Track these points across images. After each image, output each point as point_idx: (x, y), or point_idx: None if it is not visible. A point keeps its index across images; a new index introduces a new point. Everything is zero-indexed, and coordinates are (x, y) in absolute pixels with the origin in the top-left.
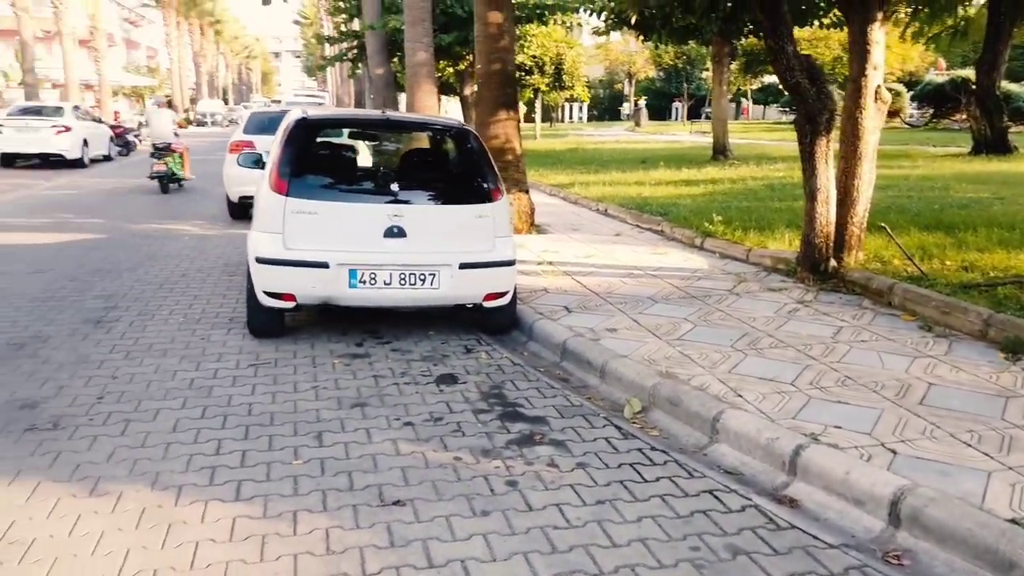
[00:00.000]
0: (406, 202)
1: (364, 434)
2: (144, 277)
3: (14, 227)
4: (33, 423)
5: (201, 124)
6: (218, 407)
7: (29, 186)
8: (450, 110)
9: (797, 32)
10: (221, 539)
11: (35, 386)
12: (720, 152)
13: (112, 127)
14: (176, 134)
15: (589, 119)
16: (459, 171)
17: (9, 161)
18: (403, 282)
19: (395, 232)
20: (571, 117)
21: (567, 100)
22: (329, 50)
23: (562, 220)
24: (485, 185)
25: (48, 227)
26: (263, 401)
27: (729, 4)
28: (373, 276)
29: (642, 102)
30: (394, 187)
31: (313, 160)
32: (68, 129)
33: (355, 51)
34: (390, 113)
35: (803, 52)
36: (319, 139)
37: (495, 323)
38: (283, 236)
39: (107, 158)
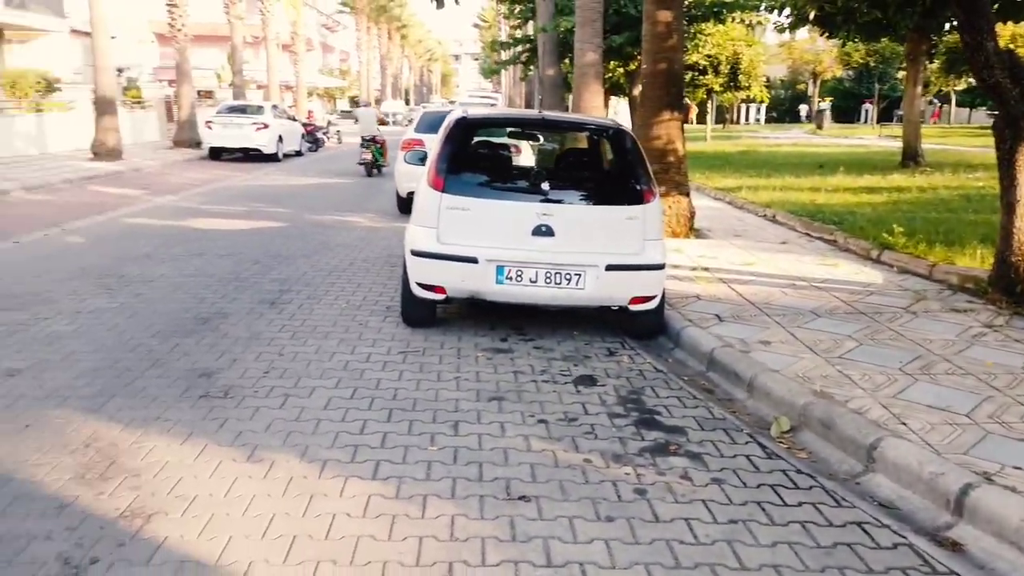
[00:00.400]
0: (556, 201)
1: (498, 427)
2: (317, 264)
3: (213, 213)
4: (207, 390)
5: (383, 123)
6: (367, 389)
7: (229, 177)
8: (619, 111)
9: (1000, 28)
10: (355, 514)
11: (213, 357)
12: (910, 158)
13: (304, 125)
14: (379, 129)
15: (767, 120)
16: (612, 171)
17: (216, 154)
18: (548, 281)
19: (543, 231)
20: (747, 118)
21: (743, 101)
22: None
23: (724, 225)
24: (637, 186)
25: (240, 215)
26: (408, 387)
27: None
28: (520, 273)
29: (825, 103)
30: (544, 186)
31: (469, 158)
32: (266, 126)
33: (527, 54)
34: (546, 113)
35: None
36: (477, 138)
37: (641, 327)
38: (437, 231)
39: (298, 153)
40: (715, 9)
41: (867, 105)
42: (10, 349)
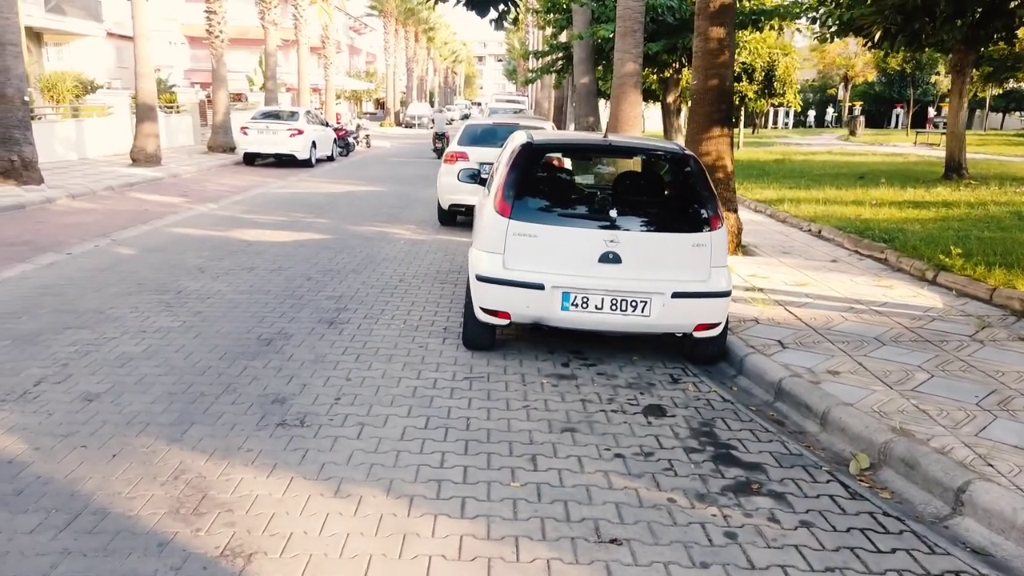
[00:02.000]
0: (623, 228)
1: (576, 462)
2: (367, 280)
3: (255, 224)
4: (284, 418)
5: (409, 126)
6: (439, 418)
7: (265, 184)
8: (649, 117)
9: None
10: (451, 556)
11: (283, 382)
12: (954, 170)
13: (335, 130)
14: (447, 127)
15: (795, 125)
16: (678, 197)
17: (250, 159)
18: (614, 307)
19: (610, 258)
20: (775, 123)
21: (772, 106)
22: (534, 63)
23: (769, 241)
24: (705, 213)
25: (282, 225)
26: (479, 416)
27: (979, 9)
28: (585, 300)
29: (856, 108)
30: (612, 213)
31: (535, 184)
32: (301, 132)
33: (562, 62)
34: (612, 137)
35: None
36: (543, 163)
37: (703, 354)
38: (503, 256)
39: (330, 158)
40: (754, 17)
41: (898, 110)
42: (85, 371)
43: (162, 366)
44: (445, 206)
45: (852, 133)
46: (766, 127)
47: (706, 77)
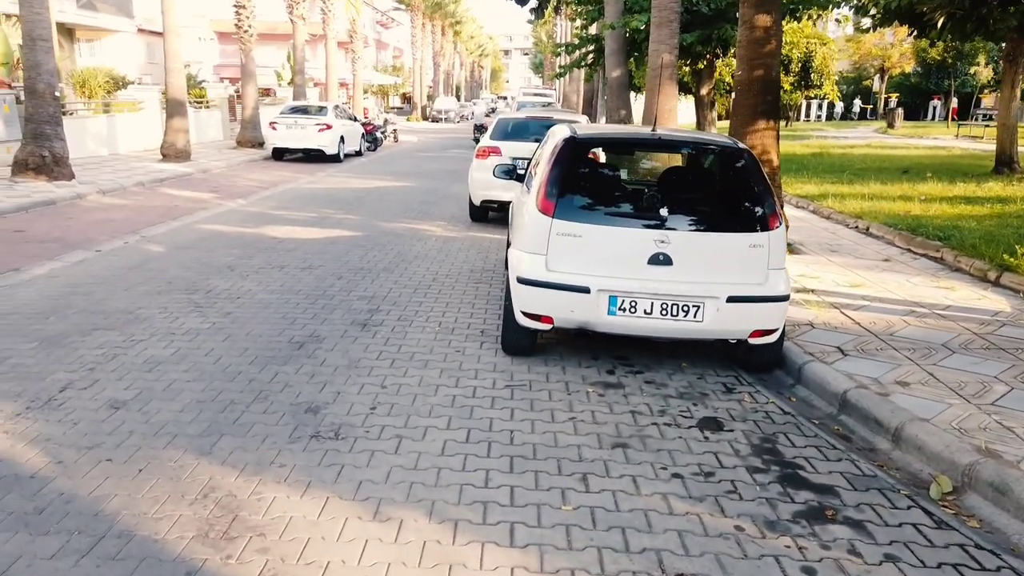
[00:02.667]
0: (674, 228)
1: (630, 482)
2: (399, 280)
3: (285, 220)
4: (318, 430)
5: (436, 120)
6: (481, 431)
7: (293, 179)
8: (680, 110)
9: None
10: None
11: (315, 389)
12: (1005, 164)
13: (363, 124)
14: (486, 118)
15: (828, 117)
16: (733, 195)
17: (279, 155)
18: (664, 312)
19: (660, 259)
20: (807, 115)
21: (806, 98)
22: (564, 58)
23: (815, 238)
24: (762, 211)
25: (312, 222)
26: (523, 429)
27: None
28: (634, 304)
29: (892, 100)
30: (663, 212)
31: (580, 181)
32: (329, 127)
33: (592, 55)
34: (660, 131)
35: None
36: (587, 158)
37: (758, 361)
38: (546, 258)
39: (358, 153)
40: (791, 7)
41: (936, 102)
42: (112, 376)
43: (191, 371)
44: (477, 202)
45: (890, 126)
46: (798, 119)
47: (751, 67)
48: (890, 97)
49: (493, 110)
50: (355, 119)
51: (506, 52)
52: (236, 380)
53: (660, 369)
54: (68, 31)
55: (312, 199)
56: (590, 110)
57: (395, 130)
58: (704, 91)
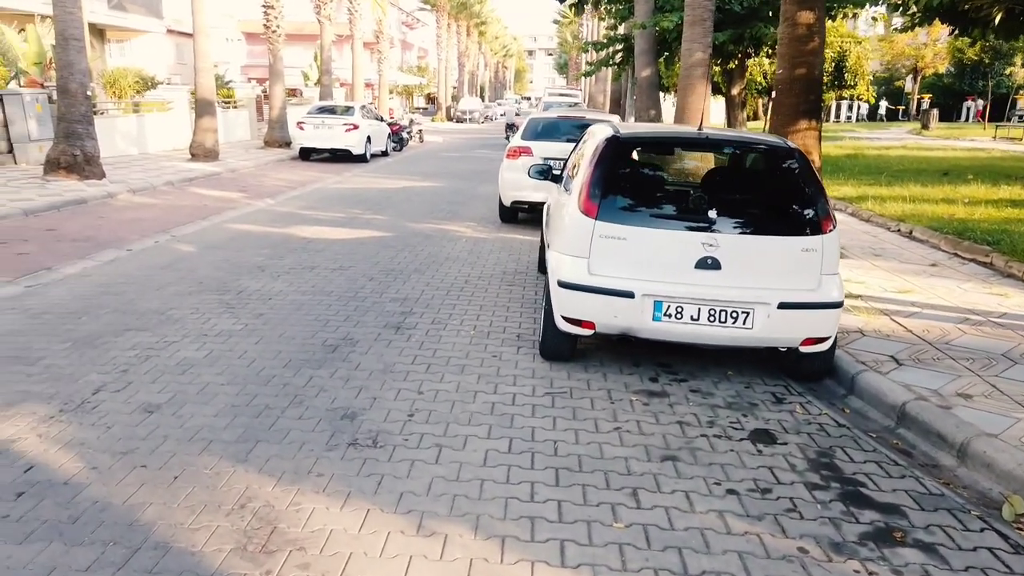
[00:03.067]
0: (722, 231)
1: (683, 498)
2: (431, 281)
3: (314, 220)
4: (355, 437)
5: (460, 121)
6: (523, 441)
7: (321, 179)
8: (710, 110)
9: None
10: None
11: (351, 394)
12: None
13: (389, 124)
14: (516, 116)
15: (859, 119)
16: (783, 196)
17: (306, 154)
18: (712, 319)
19: (708, 263)
20: (837, 116)
21: (837, 98)
22: (593, 55)
23: (857, 242)
24: (814, 214)
25: (341, 222)
26: (567, 439)
27: None
28: (680, 310)
29: (925, 101)
30: (711, 214)
31: (623, 181)
32: (356, 127)
33: (621, 54)
34: (707, 130)
35: None
36: (630, 158)
37: (807, 369)
38: (588, 261)
39: (384, 153)
40: (828, 5)
41: (969, 102)
42: (146, 379)
43: (224, 374)
44: (507, 203)
45: (924, 127)
46: (828, 120)
47: (793, 66)
48: (922, 98)
49: (517, 113)
50: (382, 119)
51: (530, 53)
52: (270, 384)
53: (705, 377)
54: (99, 32)
55: (340, 199)
56: (618, 110)
57: (420, 130)
58: (735, 91)
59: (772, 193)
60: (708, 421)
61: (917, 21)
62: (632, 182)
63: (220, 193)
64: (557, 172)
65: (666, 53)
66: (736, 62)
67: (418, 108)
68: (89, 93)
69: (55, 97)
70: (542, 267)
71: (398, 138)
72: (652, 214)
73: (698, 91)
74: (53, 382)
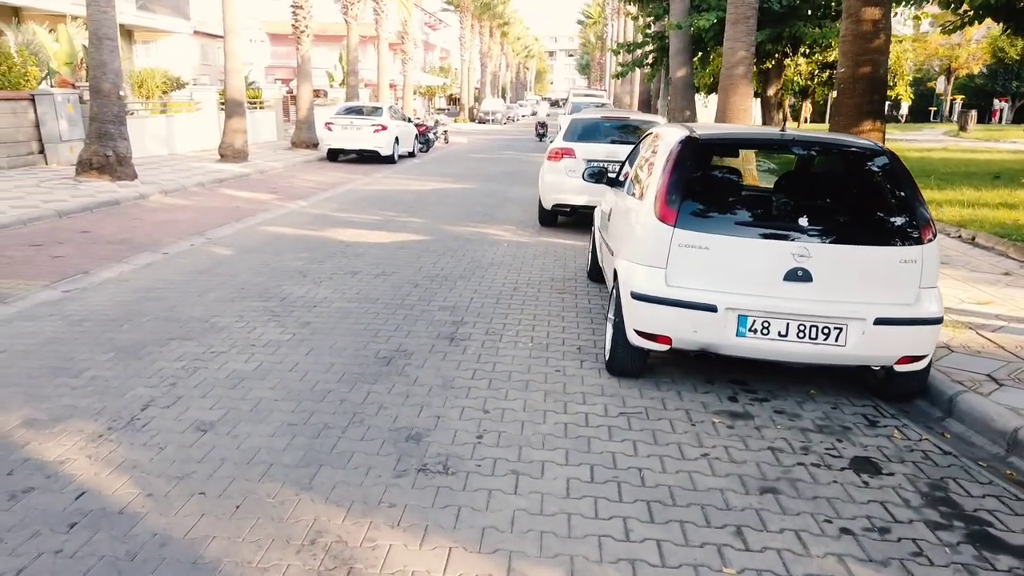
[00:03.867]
0: (814, 239)
1: (794, 539)
2: (479, 288)
3: (349, 223)
4: (424, 462)
5: (483, 122)
6: (605, 468)
7: (350, 181)
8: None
9: None
10: None
11: (412, 412)
12: None
13: (416, 125)
14: (547, 116)
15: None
16: (878, 202)
17: (334, 155)
18: (801, 335)
19: (799, 275)
20: None
21: None
22: (625, 56)
23: None
24: (913, 221)
25: (377, 225)
26: (652, 467)
27: None
28: (766, 325)
29: (958, 102)
30: (802, 221)
31: (703, 186)
32: (384, 128)
33: (654, 55)
34: (790, 131)
35: None
36: (709, 161)
37: (900, 389)
38: (665, 271)
39: (411, 155)
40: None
41: (1002, 103)
42: (195, 393)
43: (277, 388)
44: (548, 206)
45: (962, 128)
46: None
47: (856, 64)
48: (955, 99)
49: (534, 113)
50: (409, 120)
51: (551, 54)
52: (327, 400)
53: (787, 396)
54: (127, 32)
55: (372, 201)
56: (647, 111)
57: (445, 131)
58: (771, 91)
59: (865, 199)
60: (802, 447)
61: (968, 20)
62: (712, 186)
63: (251, 194)
64: (613, 175)
65: (700, 53)
66: (773, 62)
67: (440, 109)
68: (122, 93)
69: (86, 97)
70: (592, 274)
71: (424, 139)
72: (736, 221)
73: (741, 91)
74: (99, 396)
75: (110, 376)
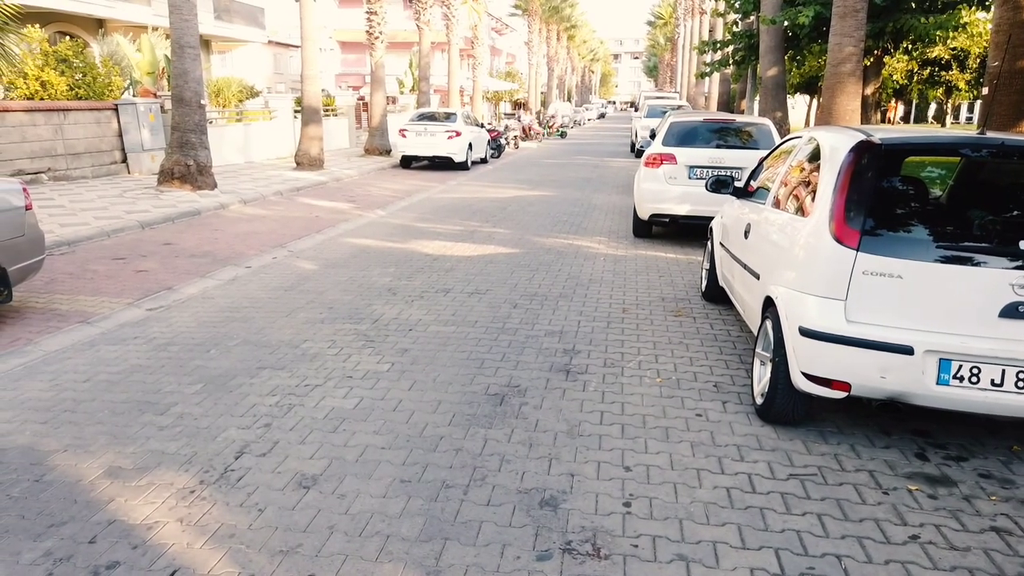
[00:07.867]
0: None
1: None
2: (584, 310)
3: (431, 234)
4: (568, 539)
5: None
6: (794, 555)
7: (426, 188)
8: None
9: None
10: None
11: (541, 468)
12: None
13: (488, 131)
14: (601, 116)
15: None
16: None
17: (407, 162)
18: (1022, 385)
19: (1020, 312)
20: (956, 117)
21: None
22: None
23: None
24: None
25: (461, 236)
26: (853, 554)
27: None
28: (976, 372)
29: None
30: (1022, 244)
31: (890, 201)
32: (458, 134)
33: (741, 53)
34: (994, 133)
35: None
36: (896, 172)
37: None
38: (845, 304)
39: (483, 160)
40: None
41: None
42: (293, 437)
43: (382, 432)
44: (644, 216)
45: None
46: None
47: (1015, 56)
48: None
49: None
50: (481, 125)
51: (616, 57)
52: (439, 449)
53: (984, 453)
54: (205, 42)
55: (451, 210)
56: (728, 113)
57: (515, 136)
58: (869, 90)
59: None
60: None
61: None
62: (900, 202)
63: (329, 203)
64: (739, 183)
65: (791, 51)
66: (872, 59)
67: (507, 114)
68: (204, 102)
69: (166, 107)
70: (709, 295)
71: (496, 144)
72: (938, 244)
73: (848, 90)
74: (188, 439)
75: (199, 413)
